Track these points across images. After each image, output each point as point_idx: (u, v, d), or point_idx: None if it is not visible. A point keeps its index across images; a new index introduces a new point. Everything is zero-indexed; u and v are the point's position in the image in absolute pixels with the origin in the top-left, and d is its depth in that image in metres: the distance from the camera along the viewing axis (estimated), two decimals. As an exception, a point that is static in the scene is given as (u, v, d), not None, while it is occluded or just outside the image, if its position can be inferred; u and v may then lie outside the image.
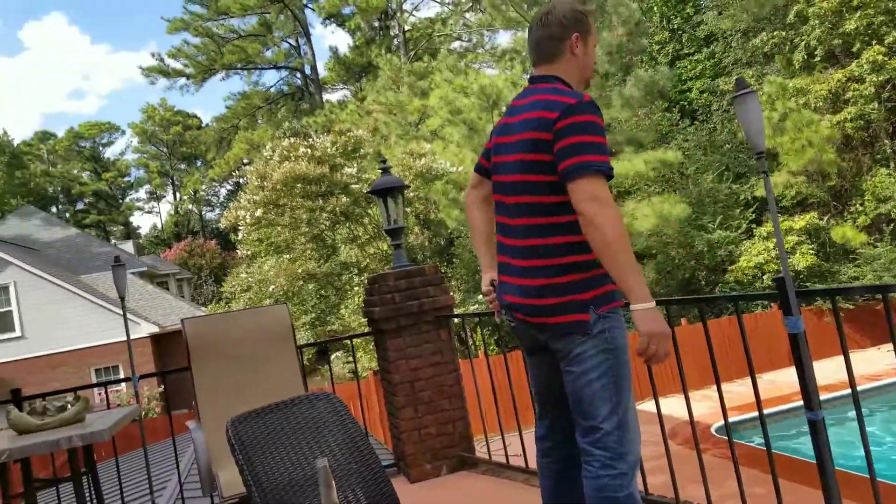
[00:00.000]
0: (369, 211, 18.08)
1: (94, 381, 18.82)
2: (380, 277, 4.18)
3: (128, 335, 4.56)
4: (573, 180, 1.95)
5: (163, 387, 17.50)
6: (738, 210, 16.97)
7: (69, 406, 3.26)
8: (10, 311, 19.55)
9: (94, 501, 3.57)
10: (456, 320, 4.61)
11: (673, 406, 4.55)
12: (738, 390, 9.54)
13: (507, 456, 3.95)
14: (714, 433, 9.13)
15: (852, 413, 2.32)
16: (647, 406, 3.80)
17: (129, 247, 32.57)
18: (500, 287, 2.27)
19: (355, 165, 18.27)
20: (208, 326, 4.06)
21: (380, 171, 4.49)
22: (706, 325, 2.84)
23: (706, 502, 2.79)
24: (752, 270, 15.20)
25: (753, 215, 16.93)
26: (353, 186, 17.68)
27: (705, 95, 20.08)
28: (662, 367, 10.73)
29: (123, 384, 16.59)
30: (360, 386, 5.36)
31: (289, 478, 2.42)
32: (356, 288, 18.51)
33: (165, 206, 55.83)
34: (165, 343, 20.48)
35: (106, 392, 4.57)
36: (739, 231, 16.48)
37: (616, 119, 15.61)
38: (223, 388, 3.84)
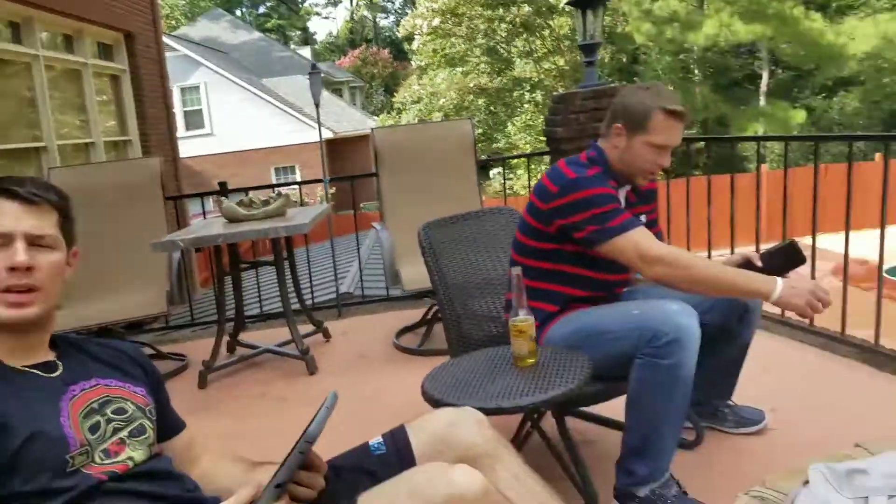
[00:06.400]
0: (550, 22, 17.25)
1: (274, 178, 20.45)
2: (568, 96, 4.06)
3: (321, 140, 4.87)
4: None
5: (334, 189, 18.70)
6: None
7: (271, 201, 3.57)
8: (201, 110, 21.14)
9: (291, 282, 4.00)
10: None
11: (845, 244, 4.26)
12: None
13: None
14: (888, 275, 8.46)
15: None
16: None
17: (306, 52, 33.49)
18: None
19: (542, -30, 17.23)
20: (395, 136, 4.21)
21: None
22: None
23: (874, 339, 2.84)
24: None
25: None
26: (538, -7, 16.81)
27: None
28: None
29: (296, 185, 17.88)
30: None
31: (469, 280, 2.57)
32: (526, 105, 18.15)
33: (342, 13, 56.23)
34: (338, 148, 21.55)
35: (300, 191, 5.02)
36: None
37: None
38: (406, 194, 4.03)
